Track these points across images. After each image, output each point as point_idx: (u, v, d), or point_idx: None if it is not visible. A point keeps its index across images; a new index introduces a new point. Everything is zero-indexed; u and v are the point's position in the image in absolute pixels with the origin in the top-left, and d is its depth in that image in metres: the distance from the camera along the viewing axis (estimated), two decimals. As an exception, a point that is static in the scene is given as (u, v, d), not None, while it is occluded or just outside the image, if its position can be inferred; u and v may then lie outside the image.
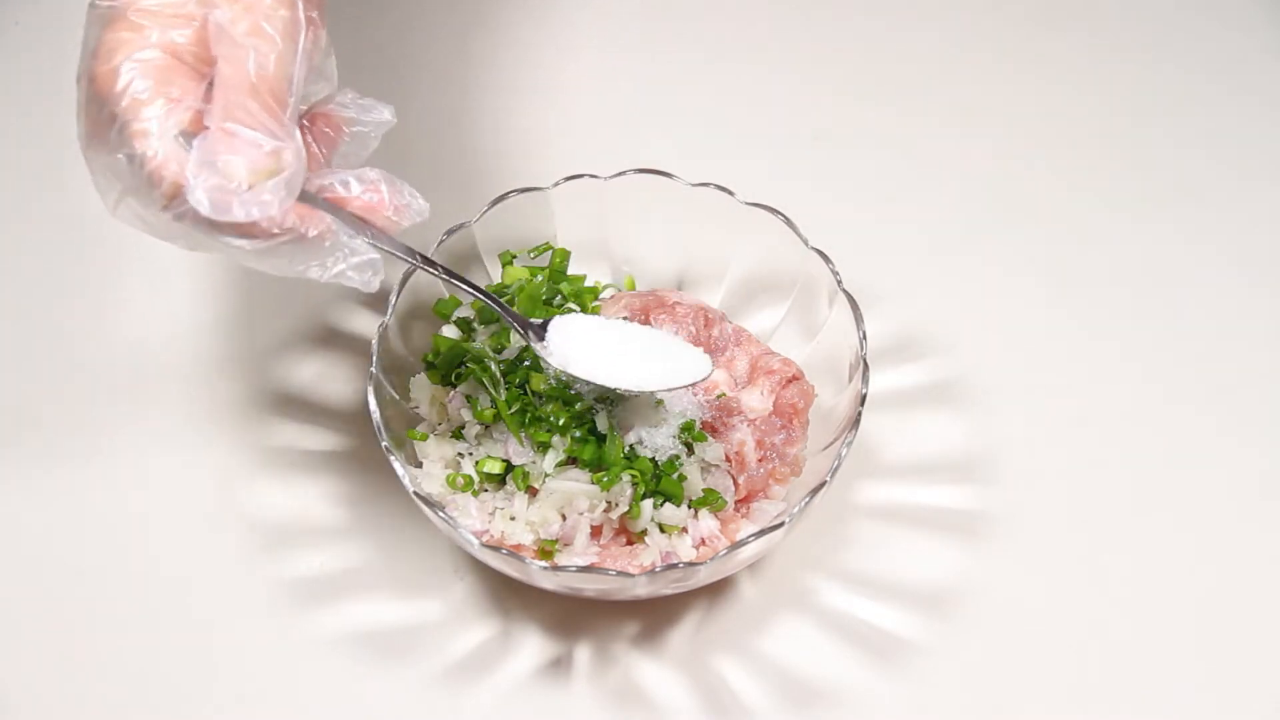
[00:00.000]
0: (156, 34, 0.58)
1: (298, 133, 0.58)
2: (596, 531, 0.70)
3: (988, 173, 0.89)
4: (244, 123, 0.57)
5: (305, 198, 0.60)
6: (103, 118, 0.58)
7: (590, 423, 0.70)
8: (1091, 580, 0.74)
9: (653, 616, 0.73)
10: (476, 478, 0.71)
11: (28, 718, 0.71)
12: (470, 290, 0.68)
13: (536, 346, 0.70)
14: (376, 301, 0.83)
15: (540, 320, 0.71)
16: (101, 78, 0.58)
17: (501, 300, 0.70)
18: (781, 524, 0.66)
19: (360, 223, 0.61)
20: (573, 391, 0.71)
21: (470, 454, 0.72)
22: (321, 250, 0.60)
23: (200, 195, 0.56)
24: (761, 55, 0.96)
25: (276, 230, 0.58)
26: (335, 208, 0.61)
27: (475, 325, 0.76)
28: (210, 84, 0.58)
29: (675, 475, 0.70)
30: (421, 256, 0.66)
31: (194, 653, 0.72)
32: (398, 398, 0.74)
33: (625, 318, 0.75)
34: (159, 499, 0.77)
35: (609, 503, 0.69)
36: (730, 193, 0.76)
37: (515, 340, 0.73)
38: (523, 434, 0.70)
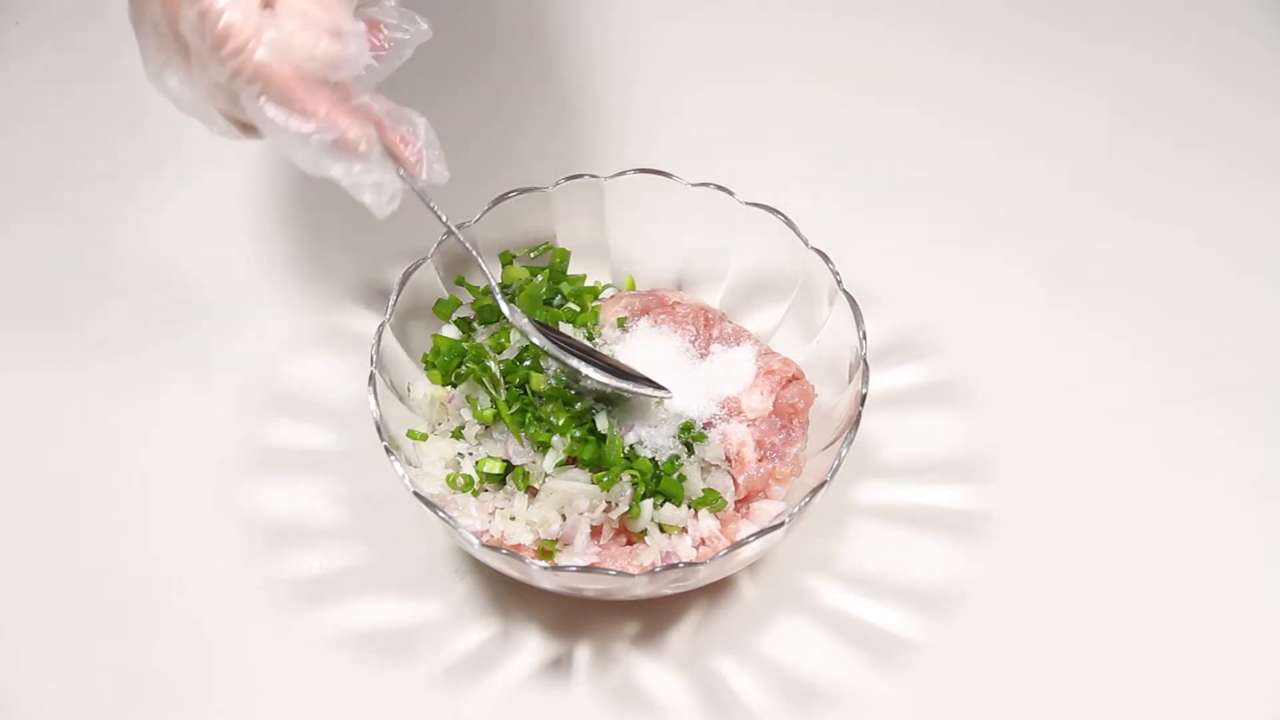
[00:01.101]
0: None
1: (361, 23, 0.61)
2: (596, 531, 0.70)
3: (988, 173, 0.89)
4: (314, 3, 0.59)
5: (354, 106, 0.62)
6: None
7: (590, 423, 0.70)
8: (1091, 580, 0.74)
9: (653, 616, 0.73)
10: (476, 478, 0.71)
11: (28, 718, 0.71)
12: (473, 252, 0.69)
13: (505, 308, 0.70)
14: (376, 301, 0.83)
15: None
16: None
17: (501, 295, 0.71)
18: (781, 524, 0.66)
19: (390, 154, 0.64)
20: (572, 392, 0.71)
21: (470, 454, 0.72)
22: (354, 156, 0.62)
23: (272, 36, 0.59)
24: (762, 55, 0.96)
25: (322, 115, 0.60)
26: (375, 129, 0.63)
27: (475, 325, 0.76)
28: None
29: (675, 475, 0.70)
30: (446, 223, 0.67)
31: (194, 653, 0.72)
32: (398, 398, 0.74)
33: (624, 318, 0.75)
34: (159, 499, 0.77)
35: (609, 503, 0.69)
36: (730, 193, 0.76)
37: (515, 340, 0.73)
38: (523, 434, 0.70)
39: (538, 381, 0.71)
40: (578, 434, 0.70)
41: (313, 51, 0.60)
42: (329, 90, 0.61)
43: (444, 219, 0.67)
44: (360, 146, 0.62)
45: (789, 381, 0.75)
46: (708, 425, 0.73)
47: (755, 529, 0.70)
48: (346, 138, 0.61)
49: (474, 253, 0.70)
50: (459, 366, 0.73)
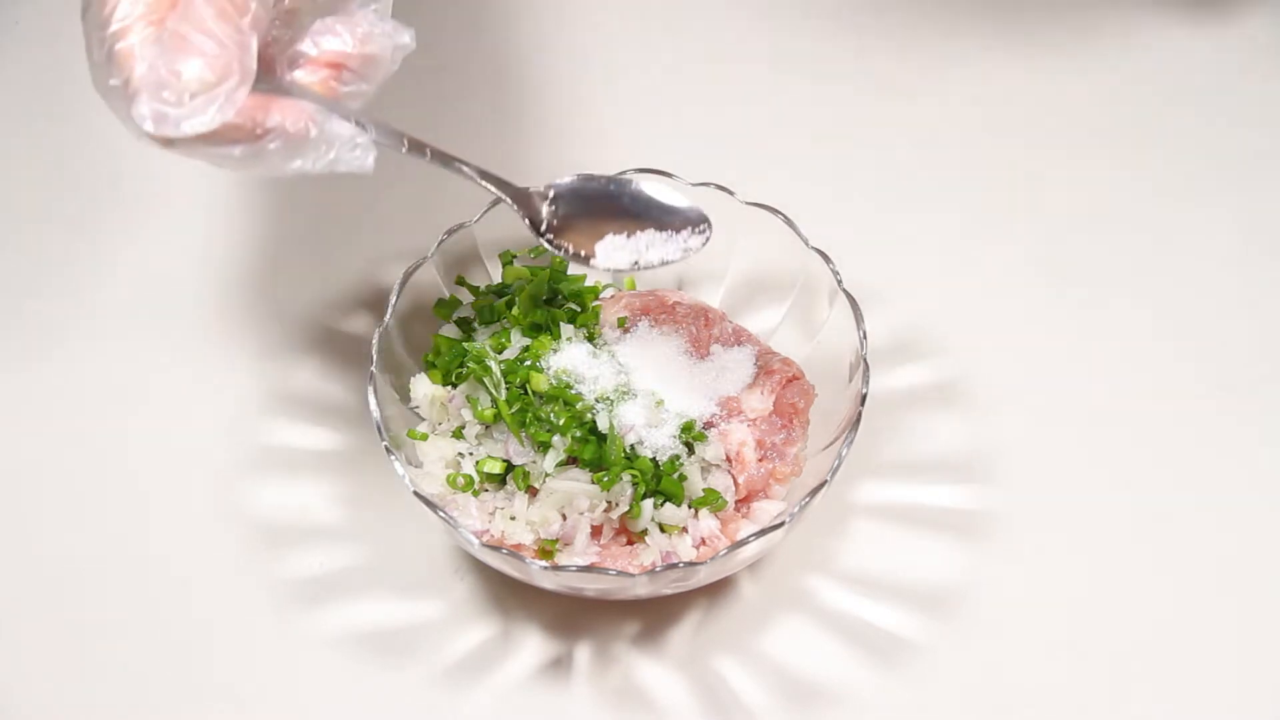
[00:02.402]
0: None
1: (253, 42, 0.57)
2: (596, 531, 0.70)
3: (988, 172, 0.89)
4: (197, 28, 0.56)
5: (279, 89, 0.60)
6: (98, 45, 0.57)
7: (590, 423, 0.70)
8: (1091, 580, 0.74)
9: (653, 616, 0.73)
10: (476, 478, 0.71)
11: (28, 718, 0.71)
12: (464, 170, 0.67)
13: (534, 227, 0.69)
14: (376, 301, 0.83)
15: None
16: (92, 9, 0.57)
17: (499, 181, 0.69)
18: (781, 524, 0.66)
19: (341, 81, 0.61)
20: (574, 392, 0.71)
21: (470, 454, 0.72)
22: (307, 143, 0.59)
23: (144, 110, 0.56)
24: (762, 55, 0.95)
25: (259, 131, 0.57)
26: (311, 92, 0.60)
27: (475, 325, 0.76)
28: None
29: (675, 475, 0.70)
30: (409, 139, 0.64)
31: (194, 653, 0.72)
32: (398, 398, 0.74)
33: (624, 318, 0.75)
34: (159, 498, 0.77)
35: (609, 503, 0.69)
36: (730, 193, 0.76)
37: (515, 340, 0.73)
38: (523, 434, 0.70)
39: (538, 381, 0.71)
40: (578, 434, 0.70)
41: (198, 77, 0.56)
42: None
43: (402, 146, 0.64)
44: (311, 133, 0.59)
45: (789, 381, 0.75)
46: (708, 425, 0.73)
47: (755, 529, 0.70)
48: (290, 134, 0.58)
49: (467, 172, 0.66)
50: (459, 366, 0.73)
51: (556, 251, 0.69)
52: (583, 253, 0.69)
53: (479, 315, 0.76)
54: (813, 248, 0.75)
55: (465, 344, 0.74)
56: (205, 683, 0.72)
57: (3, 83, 0.94)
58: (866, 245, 0.81)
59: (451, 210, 0.77)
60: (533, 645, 0.72)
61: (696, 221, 0.70)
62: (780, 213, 0.76)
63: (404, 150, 0.64)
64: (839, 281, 0.74)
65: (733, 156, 0.89)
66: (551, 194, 0.69)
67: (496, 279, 0.78)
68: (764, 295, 0.79)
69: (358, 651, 0.72)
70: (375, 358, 0.71)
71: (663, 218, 0.70)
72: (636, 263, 0.69)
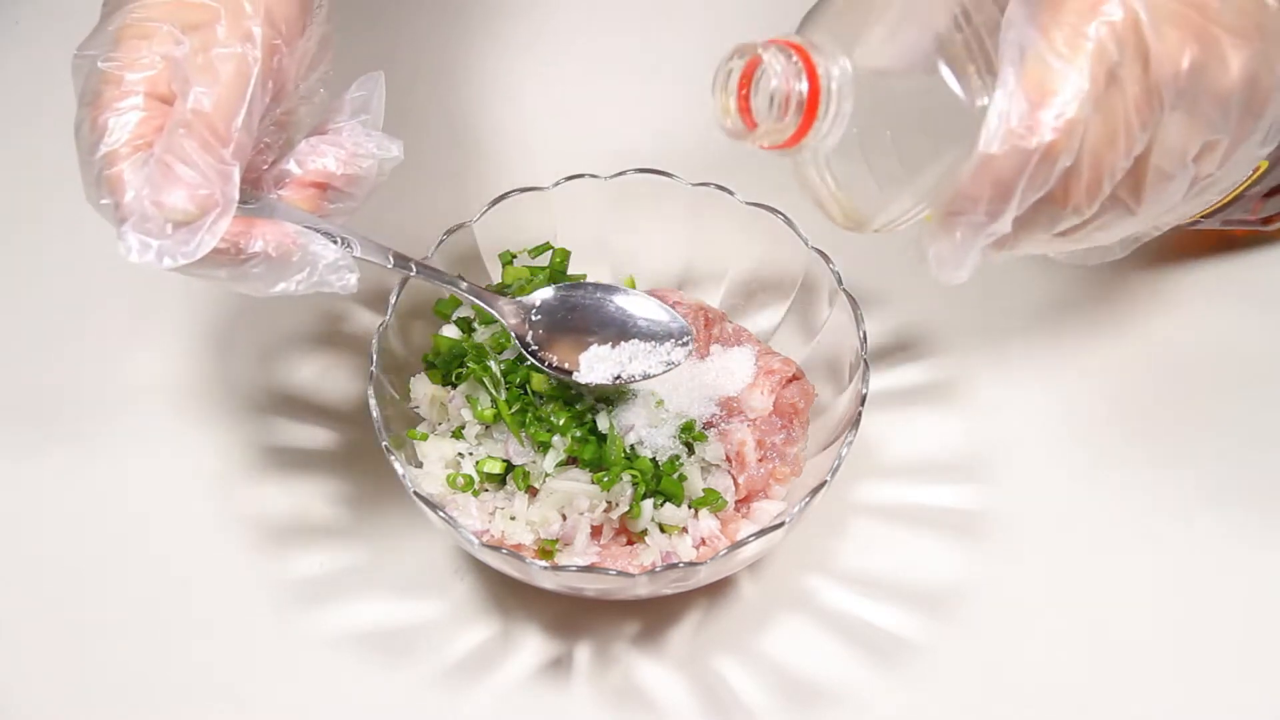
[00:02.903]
0: (134, 77, 0.58)
1: (236, 172, 0.58)
2: (596, 531, 0.70)
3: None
4: (180, 159, 0.57)
5: (264, 208, 0.61)
6: (87, 168, 0.59)
7: (590, 423, 0.70)
8: (1091, 580, 0.74)
9: (653, 616, 0.73)
10: (476, 478, 0.71)
11: (28, 718, 0.71)
12: (449, 285, 0.69)
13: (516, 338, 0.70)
14: (376, 301, 0.83)
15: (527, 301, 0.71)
16: (83, 130, 0.59)
17: (483, 291, 0.71)
18: (781, 524, 0.66)
19: (328, 199, 0.62)
20: (573, 393, 0.71)
21: (470, 454, 0.72)
22: (290, 267, 0.60)
23: (130, 242, 0.57)
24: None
25: (242, 257, 0.59)
26: (296, 211, 0.62)
27: (475, 325, 0.76)
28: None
29: (675, 475, 0.70)
30: (394, 254, 0.66)
31: (194, 653, 0.72)
32: (398, 398, 0.74)
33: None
34: (159, 499, 0.77)
35: (609, 503, 0.69)
36: (730, 193, 0.76)
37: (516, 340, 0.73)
38: (523, 434, 0.70)
39: (538, 381, 0.71)
40: (578, 434, 0.70)
41: (179, 208, 0.57)
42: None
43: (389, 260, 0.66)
44: (293, 256, 0.60)
45: (789, 381, 0.75)
46: (708, 425, 0.73)
47: (755, 529, 0.70)
48: (273, 258, 0.59)
49: (421, 276, 0.68)
50: (459, 366, 0.73)
51: (540, 365, 0.70)
52: (566, 365, 0.70)
53: (479, 315, 0.76)
54: (813, 248, 0.75)
55: (465, 344, 0.74)
56: (205, 683, 0.72)
57: (3, 83, 0.94)
58: (867, 245, 0.81)
59: (451, 210, 0.77)
60: (533, 645, 0.72)
61: (679, 334, 0.71)
62: (780, 213, 0.76)
63: (390, 266, 0.65)
64: (839, 281, 0.74)
65: (733, 156, 0.89)
66: (537, 303, 0.71)
67: (496, 279, 0.78)
68: (764, 295, 0.79)
69: (358, 651, 0.72)
70: (375, 358, 0.71)
71: (647, 329, 0.71)
72: (619, 376, 0.70)
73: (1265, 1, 0.55)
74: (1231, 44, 0.55)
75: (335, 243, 0.62)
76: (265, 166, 0.63)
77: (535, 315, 0.71)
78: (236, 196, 0.58)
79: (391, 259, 0.65)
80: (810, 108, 0.58)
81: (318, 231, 0.61)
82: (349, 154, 0.63)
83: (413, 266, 0.67)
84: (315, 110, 0.65)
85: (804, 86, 0.58)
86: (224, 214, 0.57)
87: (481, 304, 0.70)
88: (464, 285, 0.70)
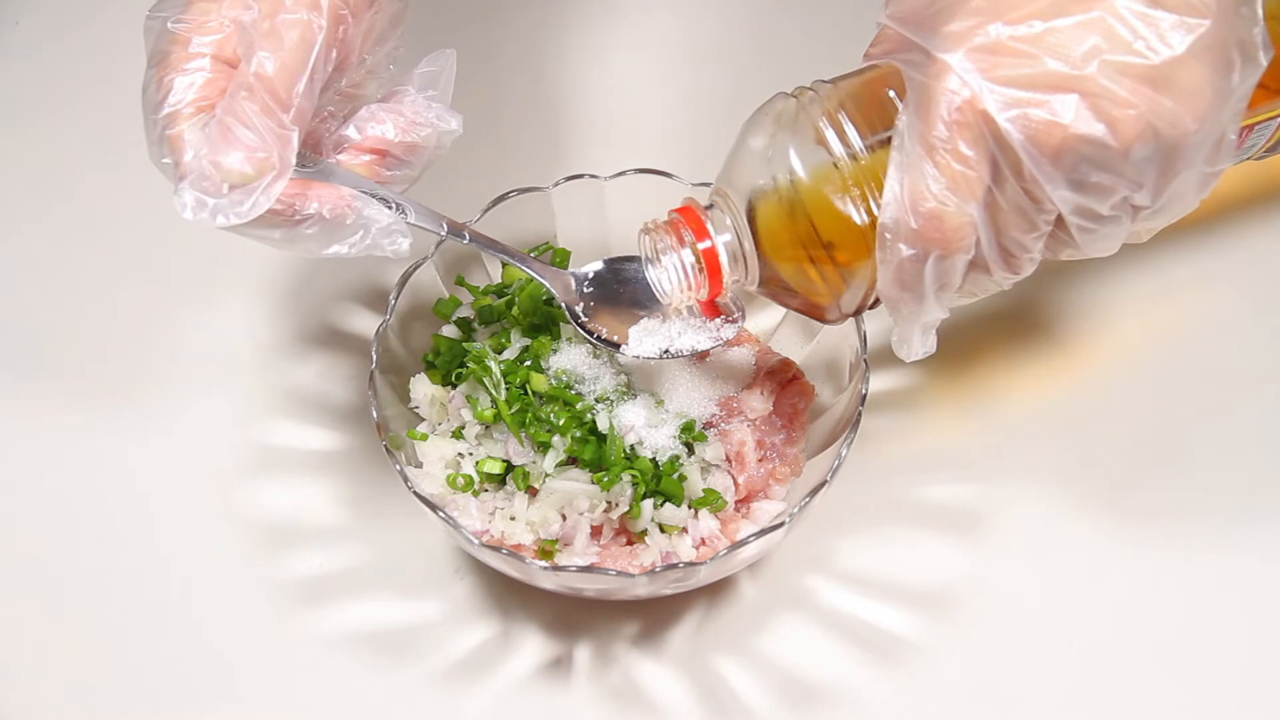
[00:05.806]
0: (201, 39, 0.59)
1: (294, 136, 0.59)
2: (596, 531, 0.70)
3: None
4: (240, 121, 0.58)
5: (323, 171, 0.61)
6: (152, 126, 0.60)
7: (590, 423, 0.70)
8: (1091, 580, 0.74)
9: (653, 616, 0.73)
10: (476, 478, 0.71)
11: (28, 717, 0.71)
12: (502, 254, 0.69)
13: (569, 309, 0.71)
14: (377, 301, 0.83)
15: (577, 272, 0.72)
16: (150, 89, 0.60)
17: (531, 258, 0.71)
18: (781, 524, 0.66)
19: (385, 166, 0.63)
20: (574, 392, 0.71)
21: (470, 454, 0.72)
22: (343, 229, 0.61)
23: (186, 198, 0.58)
24: (763, 54, 0.95)
25: (297, 218, 0.60)
26: (353, 175, 0.62)
27: (475, 325, 0.76)
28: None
29: (675, 475, 0.70)
30: (448, 222, 0.66)
31: (194, 652, 0.72)
32: (398, 398, 0.74)
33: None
34: (159, 499, 0.77)
35: (609, 503, 0.69)
36: (730, 193, 0.76)
37: (515, 340, 0.73)
38: (523, 434, 0.70)
39: (538, 381, 0.71)
40: (578, 434, 0.70)
41: (238, 170, 0.58)
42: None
43: (443, 229, 0.66)
44: (347, 220, 0.61)
45: (789, 381, 0.75)
46: (708, 425, 0.73)
47: (755, 529, 0.70)
48: (327, 219, 0.60)
49: (474, 244, 0.69)
50: (459, 366, 0.73)
51: (588, 337, 0.70)
52: (615, 338, 0.70)
53: (479, 315, 0.76)
54: (813, 248, 0.75)
55: (465, 344, 0.74)
56: (205, 683, 0.72)
57: (3, 83, 0.94)
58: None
59: (451, 210, 0.77)
60: (533, 645, 0.72)
61: (729, 311, 0.71)
62: (780, 213, 0.76)
63: (443, 233, 0.66)
64: (839, 281, 0.74)
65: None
66: (590, 275, 0.71)
67: (496, 279, 0.78)
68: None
69: (358, 651, 0.72)
70: (375, 358, 0.71)
71: (696, 305, 0.70)
72: (667, 350, 0.70)
73: (1151, 53, 0.53)
74: (1112, 104, 0.53)
75: (390, 208, 0.62)
76: (328, 134, 0.64)
77: (587, 287, 0.71)
78: (294, 161, 0.59)
79: (445, 226, 0.66)
80: (713, 272, 0.64)
81: (373, 196, 0.62)
82: (408, 122, 0.64)
83: (466, 235, 0.67)
84: (384, 85, 0.65)
85: (692, 259, 0.64)
86: (280, 177, 0.58)
87: (533, 273, 0.70)
88: (516, 254, 0.70)
